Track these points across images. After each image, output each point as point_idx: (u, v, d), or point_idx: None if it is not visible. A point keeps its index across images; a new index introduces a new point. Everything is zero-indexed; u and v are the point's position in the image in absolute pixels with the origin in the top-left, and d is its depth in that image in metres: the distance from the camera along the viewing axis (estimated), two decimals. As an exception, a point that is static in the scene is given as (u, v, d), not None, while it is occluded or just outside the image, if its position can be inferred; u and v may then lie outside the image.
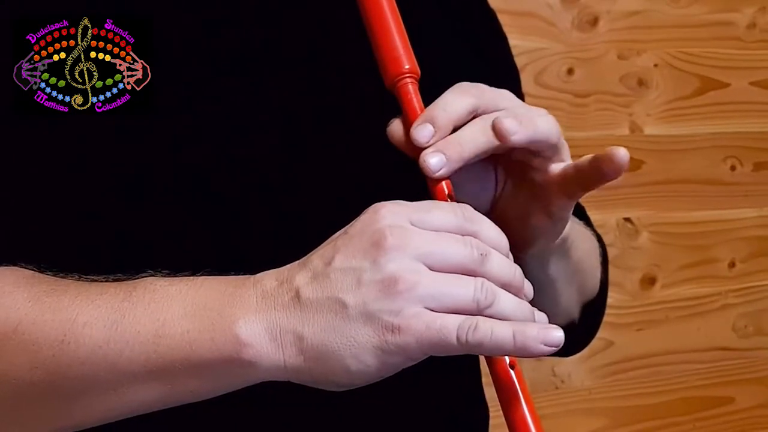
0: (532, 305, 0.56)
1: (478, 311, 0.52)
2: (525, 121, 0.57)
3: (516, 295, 0.55)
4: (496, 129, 0.57)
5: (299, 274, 0.54)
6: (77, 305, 0.57)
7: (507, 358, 0.56)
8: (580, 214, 0.82)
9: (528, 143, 0.58)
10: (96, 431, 0.61)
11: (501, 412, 0.56)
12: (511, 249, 0.57)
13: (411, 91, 0.60)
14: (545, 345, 0.52)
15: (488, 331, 0.52)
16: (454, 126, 0.58)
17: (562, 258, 0.69)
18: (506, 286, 0.54)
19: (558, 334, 0.52)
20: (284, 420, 0.65)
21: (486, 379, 0.73)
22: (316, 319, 0.53)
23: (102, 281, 0.59)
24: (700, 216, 1.62)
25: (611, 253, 1.50)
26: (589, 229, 0.81)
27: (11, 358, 0.57)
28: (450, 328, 0.51)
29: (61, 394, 0.58)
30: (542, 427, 0.55)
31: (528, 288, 0.57)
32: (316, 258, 0.55)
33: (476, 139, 0.58)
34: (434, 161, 0.57)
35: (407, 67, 0.60)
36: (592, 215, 0.86)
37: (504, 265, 0.55)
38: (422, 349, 0.52)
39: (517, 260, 0.59)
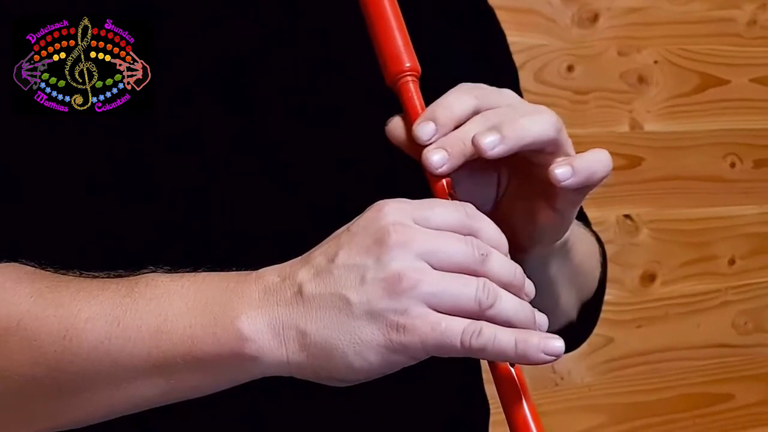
0: (533, 305, 0.56)
1: (479, 311, 0.53)
2: (507, 128, 0.56)
3: (517, 294, 0.55)
4: (474, 145, 0.56)
5: (302, 270, 0.54)
6: (79, 301, 0.57)
7: None
8: (579, 213, 0.82)
9: (516, 150, 0.57)
10: (97, 428, 0.61)
11: (501, 408, 0.56)
12: (516, 248, 0.57)
13: (412, 89, 0.60)
14: (545, 353, 0.53)
15: (492, 336, 0.52)
16: (455, 125, 0.58)
17: (563, 260, 0.69)
18: (507, 286, 0.54)
19: (558, 344, 0.53)
20: (283, 418, 0.65)
21: (486, 376, 0.73)
22: (319, 315, 0.53)
23: (103, 277, 0.59)
24: (700, 213, 1.62)
25: (611, 249, 1.51)
26: (588, 229, 0.81)
27: (13, 354, 0.57)
28: (455, 331, 0.52)
29: (63, 390, 0.58)
30: (542, 424, 0.55)
31: (529, 287, 0.57)
32: (318, 254, 0.55)
33: None
34: (437, 158, 0.57)
35: (408, 65, 0.60)
36: (592, 212, 0.86)
37: (505, 265, 0.55)
38: (426, 350, 0.52)
39: (518, 262, 0.60)
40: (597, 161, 0.59)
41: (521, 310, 0.54)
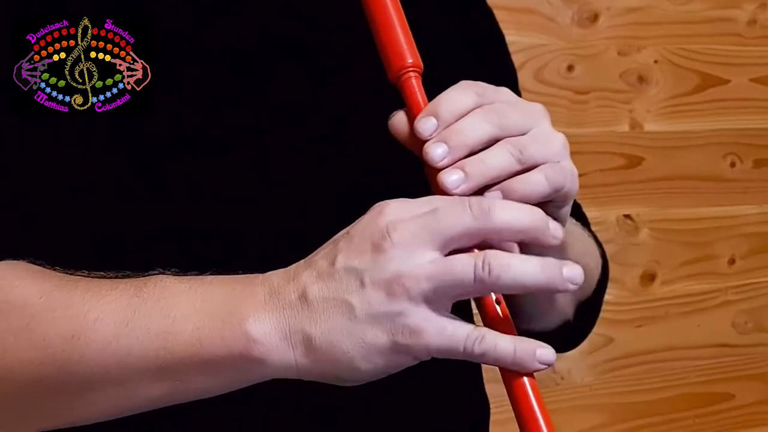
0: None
1: (486, 288, 0.53)
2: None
3: (541, 238, 0.54)
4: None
5: (305, 273, 0.55)
6: (88, 301, 0.57)
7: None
8: (577, 212, 0.82)
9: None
10: (102, 427, 0.61)
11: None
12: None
13: (414, 85, 0.60)
14: (539, 362, 0.54)
15: (493, 344, 0.53)
16: (456, 120, 0.58)
17: (557, 257, 0.69)
18: (525, 233, 0.54)
19: (550, 354, 0.54)
20: (284, 417, 0.65)
21: (486, 376, 0.73)
22: (323, 319, 0.53)
23: (111, 278, 0.59)
24: (700, 212, 1.62)
25: (611, 249, 1.51)
26: (586, 229, 0.81)
27: (21, 353, 0.57)
28: (459, 336, 0.53)
29: (70, 389, 0.58)
30: (544, 404, 0.55)
31: (554, 228, 0.55)
32: (320, 257, 0.55)
33: (479, 128, 0.57)
34: (438, 152, 0.56)
35: (410, 61, 0.60)
36: (592, 212, 0.86)
37: (514, 212, 0.54)
38: (430, 353, 0.53)
39: None
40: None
41: (541, 269, 0.53)
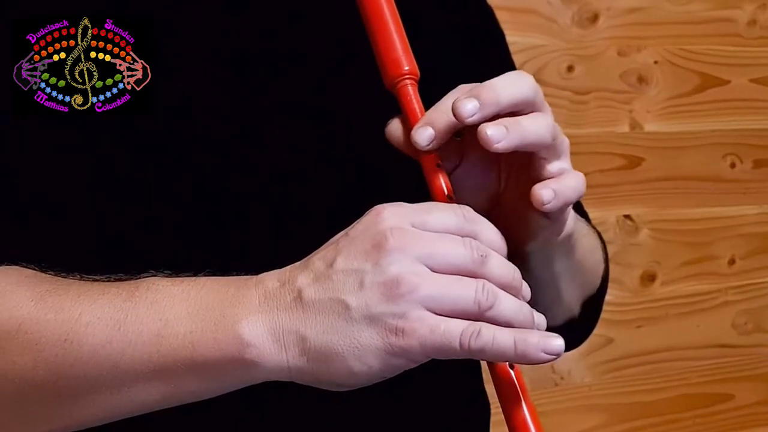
0: (533, 304, 0.56)
1: (479, 313, 0.53)
2: (512, 126, 0.56)
3: (515, 296, 0.55)
4: (480, 137, 0.56)
5: (301, 275, 0.54)
6: (80, 305, 0.57)
7: None
8: (579, 210, 0.82)
9: (515, 148, 0.57)
10: (97, 431, 0.61)
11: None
12: (515, 242, 0.58)
13: (410, 92, 0.60)
14: (545, 353, 0.53)
15: (490, 337, 0.52)
16: (453, 129, 0.58)
17: (566, 255, 0.69)
18: (505, 287, 0.54)
19: (558, 343, 0.53)
20: (284, 418, 0.65)
21: (487, 376, 0.73)
22: (318, 320, 0.53)
23: (104, 281, 0.59)
24: (700, 213, 1.62)
25: (611, 249, 1.51)
26: (590, 226, 0.81)
27: (13, 357, 0.57)
28: (454, 333, 0.52)
29: (63, 393, 0.58)
30: (541, 425, 0.55)
31: (526, 290, 0.57)
32: (317, 259, 0.55)
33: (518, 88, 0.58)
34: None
35: (407, 68, 0.61)
36: (592, 212, 0.87)
37: (503, 266, 0.55)
38: (425, 353, 0.53)
39: (521, 256, 0.60)
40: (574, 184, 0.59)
41: (520, 311, 0.54)
